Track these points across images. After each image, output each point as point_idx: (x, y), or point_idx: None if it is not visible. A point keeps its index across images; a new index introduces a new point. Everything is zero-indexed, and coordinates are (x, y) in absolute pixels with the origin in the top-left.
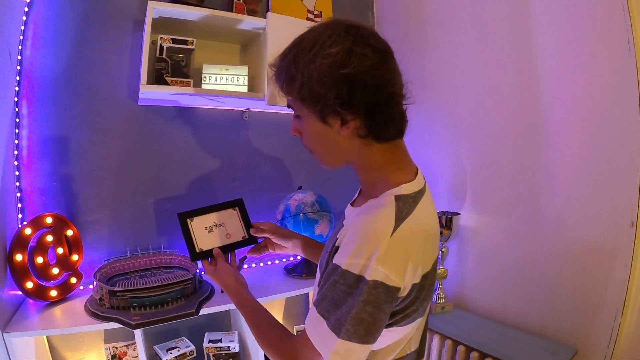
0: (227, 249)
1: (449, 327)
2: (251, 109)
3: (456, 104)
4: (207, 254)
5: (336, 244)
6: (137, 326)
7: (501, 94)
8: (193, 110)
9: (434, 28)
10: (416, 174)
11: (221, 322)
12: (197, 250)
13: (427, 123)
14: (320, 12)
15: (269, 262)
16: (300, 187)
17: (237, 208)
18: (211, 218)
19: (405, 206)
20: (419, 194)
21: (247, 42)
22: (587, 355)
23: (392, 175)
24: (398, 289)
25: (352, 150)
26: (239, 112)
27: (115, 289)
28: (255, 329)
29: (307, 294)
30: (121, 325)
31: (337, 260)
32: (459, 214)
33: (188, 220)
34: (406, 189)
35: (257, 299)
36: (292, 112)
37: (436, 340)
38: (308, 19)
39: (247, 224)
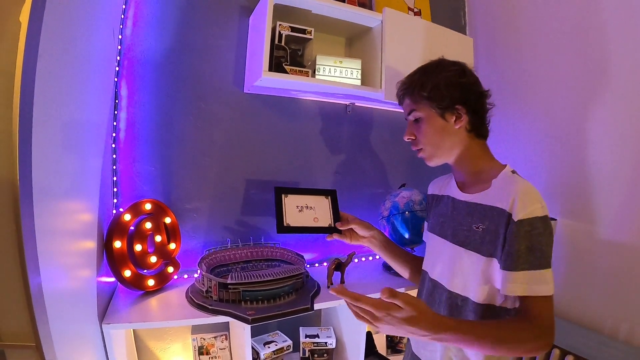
0: (310, 230)
1: None
2: (355, 103)
3: (553, 108)
4: (292, 230)
5: (507, 210)
6: (253, 321)
7: (603, 101)
8: (297, 101)
9: (529, 31)
10: None
11: (311, 318)
12: (285, 224)
13: (522, 124)
14: (420, 10)
15: (370, 258)
16: (403, 185)
17: (329, 197)
18: (304, 199)
19: (518, 174)
20: None
21: (354, 35)
22: None
23: (494, 162)
24: None
25: (460, 142)
26: (342, 105)
27: (228, 281)
28: (501, 344)
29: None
30: (231, 319)
31: (520, 216)
32: (556, 219)
33: (283, 195)
34: (509, 167)
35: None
36: (406, 119)
37: None
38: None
39: (336, 214)
